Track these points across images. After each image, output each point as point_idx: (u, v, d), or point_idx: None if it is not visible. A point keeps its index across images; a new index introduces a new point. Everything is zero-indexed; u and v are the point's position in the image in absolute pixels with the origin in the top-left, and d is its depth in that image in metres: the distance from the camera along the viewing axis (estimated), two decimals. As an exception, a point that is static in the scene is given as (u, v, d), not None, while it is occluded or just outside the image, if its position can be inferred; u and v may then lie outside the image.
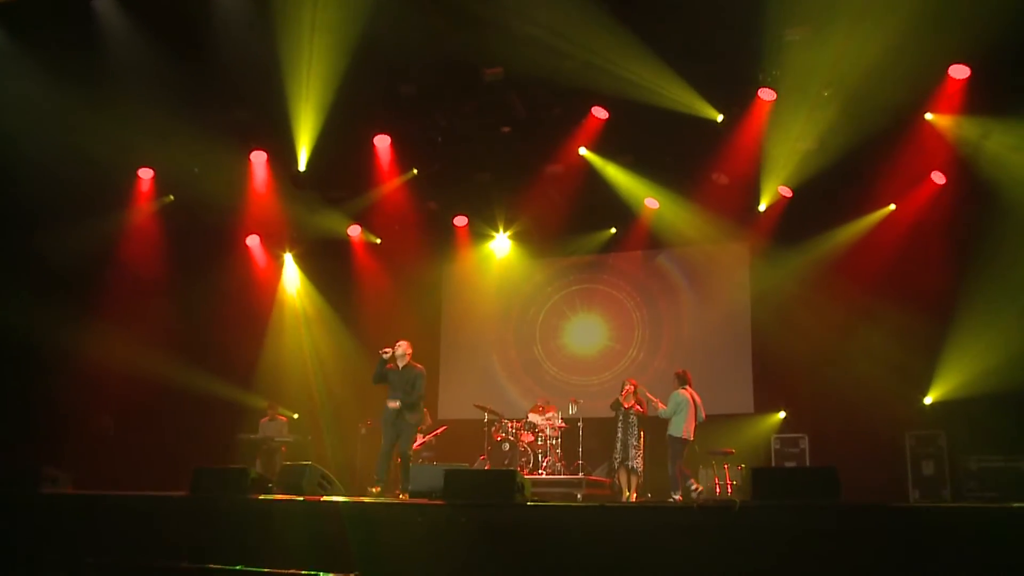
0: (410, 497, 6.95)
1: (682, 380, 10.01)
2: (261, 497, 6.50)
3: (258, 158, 11.86)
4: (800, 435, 11.38)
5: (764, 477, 6.13)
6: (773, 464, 11.24)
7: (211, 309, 12.36)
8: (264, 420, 12.03)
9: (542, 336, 13.79)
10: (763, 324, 12.22)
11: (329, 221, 12.96)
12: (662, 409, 9.91)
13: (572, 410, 11.59)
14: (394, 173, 11.94)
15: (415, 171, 12.19)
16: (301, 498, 6.58)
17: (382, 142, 11.57)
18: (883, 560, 5.03)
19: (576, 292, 13.80)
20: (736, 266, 12.82)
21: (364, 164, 11.76)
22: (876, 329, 11.02)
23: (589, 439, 11.58)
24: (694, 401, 9.95)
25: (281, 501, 6.41)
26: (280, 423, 12.04)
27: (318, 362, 13.41)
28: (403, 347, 9.21)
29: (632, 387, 10.25)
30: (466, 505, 5.74)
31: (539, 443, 11.33)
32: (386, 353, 9.09)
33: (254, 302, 13.16)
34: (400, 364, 9.16)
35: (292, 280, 13.75)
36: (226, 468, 6.80)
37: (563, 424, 11.54)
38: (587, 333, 13.60)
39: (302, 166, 11.17)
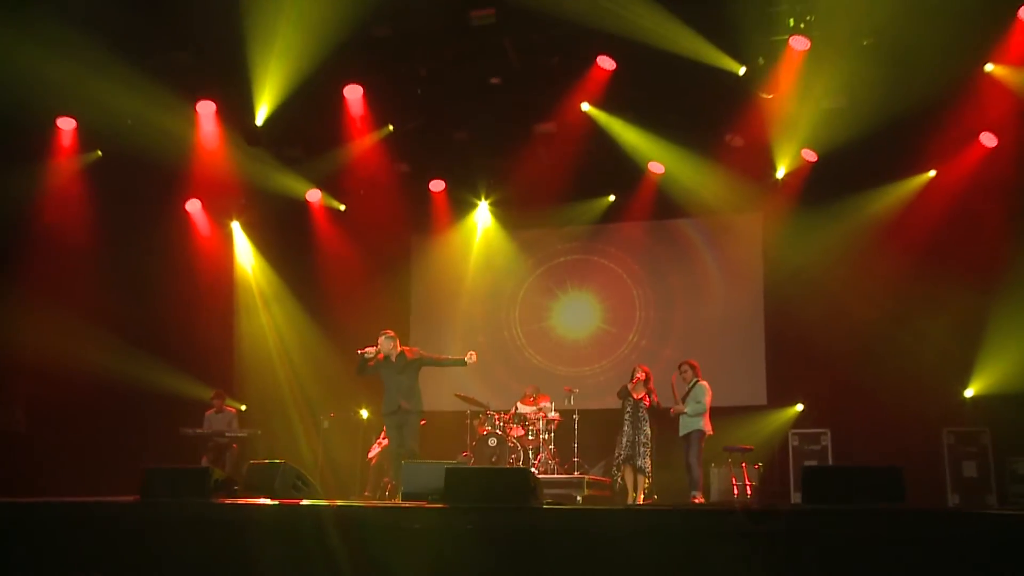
0: (403, 500, 6.66)
1: (695, 371, 9.96)
2: (228, 501, 6.19)
3: (205, 109, 11.37)
4: (822, 430, 11.32)
5: (817, 477, 6.03)
6: (791, 462, 11.22)
7: (144, 285, 12.03)
8: (210, 412, 11.73)
9: (522, 317, 13.57)
10: (778, 305, 12.18)
11: (286, 184, 12.58)
12: (696, 406, 9.74)
13: (569, 401, 11.40)
14: (365, 129, 11.57)
15: (390, 127, 11.85)
16: (275, 502, 6.29)
17: (353, 93, 11.15)
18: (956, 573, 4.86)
19: (565, 267, 13.57)
20: (748, 239, 12.76)
21: (331, 118, 11.37)
22: (910, 311, 11.01)
23: (584, 434, 11.41)
24: None
25: (251, 506, 6.09)
26: (229, 415, 11.76)
27: (270, 345, 13.18)
28: (390, 340, 9.23)
29: (644, 375, 10.06)
30: (472, 509, 5.54)
31: (530, 438, 11.16)
32: (367, 352, 9.10)
33: (194, 276, 12.81)
34: (393, 356, 9.20)
35: (241, 251, 13.48)
36: (184, 468, 6.56)
37: (557, 416, 11.37)
38: (578, 314, 13.41)
39: (259, 119, 10.77)
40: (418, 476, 6.81)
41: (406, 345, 9.51)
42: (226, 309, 13.27)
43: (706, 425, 9.75)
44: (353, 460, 11.72)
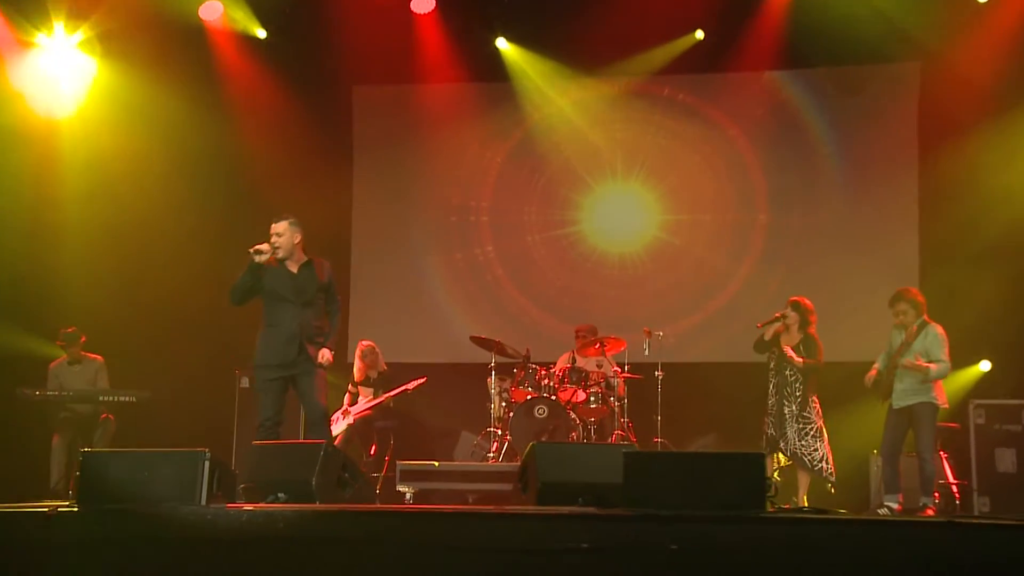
0: (539, 500, 6.24)
1: (922, 309, 9.54)
2: (243, 507, 5.84)
3: None
4: (1025, 402, 11.40)
5: None
6: (973, 448, 11.02)
7: None
8: (58, 363, 11.40)
9: (520, 220, 13.57)
10: (941, 207, 12.23)
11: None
12: (937, 369, 9.29)
13: (645, 350, 11.37)
14: None
15: None
16: (329, 508, 6.02)
17: None
18: None
19: (608, 127, 13.48)
20: (900, 103, 12.76)
21: None
22: None
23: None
24: None
25: (278, 513, 5.73)
26: (94, 366, 11.40)
27: (147, 256, 12.61)
28: (286, 233, 8.46)
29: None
30: (675, 518, 5.40)
31: (592, 405, 11.10)
32: (260, 253, 8.34)
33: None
34: (295, 265, 8.53)
35: (74, 91, 12.54)
36: (147, 452, 6.07)
37: (631, 374, 11.39)
38: (628, 215, 13.34)
39: None
40: (561, 461, 6.44)
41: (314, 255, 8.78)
42: (63, 190, 12.38)
43: (939, 396, 9.41)
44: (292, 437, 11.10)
